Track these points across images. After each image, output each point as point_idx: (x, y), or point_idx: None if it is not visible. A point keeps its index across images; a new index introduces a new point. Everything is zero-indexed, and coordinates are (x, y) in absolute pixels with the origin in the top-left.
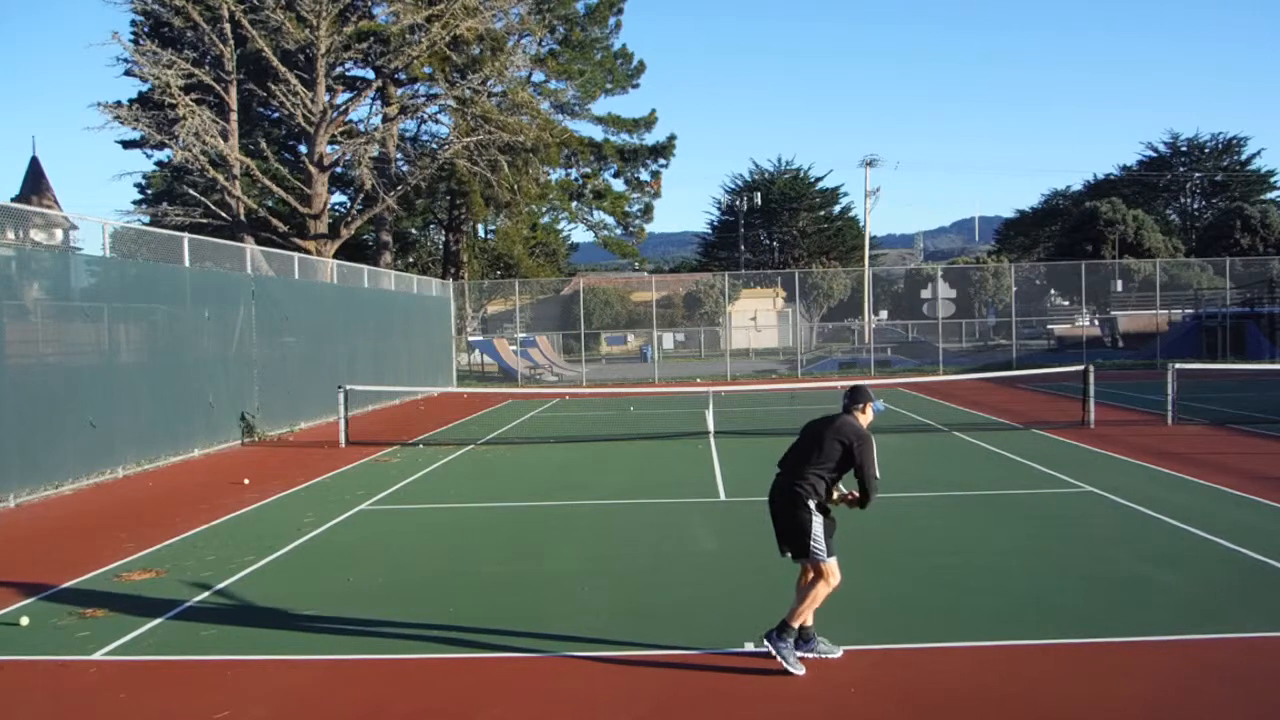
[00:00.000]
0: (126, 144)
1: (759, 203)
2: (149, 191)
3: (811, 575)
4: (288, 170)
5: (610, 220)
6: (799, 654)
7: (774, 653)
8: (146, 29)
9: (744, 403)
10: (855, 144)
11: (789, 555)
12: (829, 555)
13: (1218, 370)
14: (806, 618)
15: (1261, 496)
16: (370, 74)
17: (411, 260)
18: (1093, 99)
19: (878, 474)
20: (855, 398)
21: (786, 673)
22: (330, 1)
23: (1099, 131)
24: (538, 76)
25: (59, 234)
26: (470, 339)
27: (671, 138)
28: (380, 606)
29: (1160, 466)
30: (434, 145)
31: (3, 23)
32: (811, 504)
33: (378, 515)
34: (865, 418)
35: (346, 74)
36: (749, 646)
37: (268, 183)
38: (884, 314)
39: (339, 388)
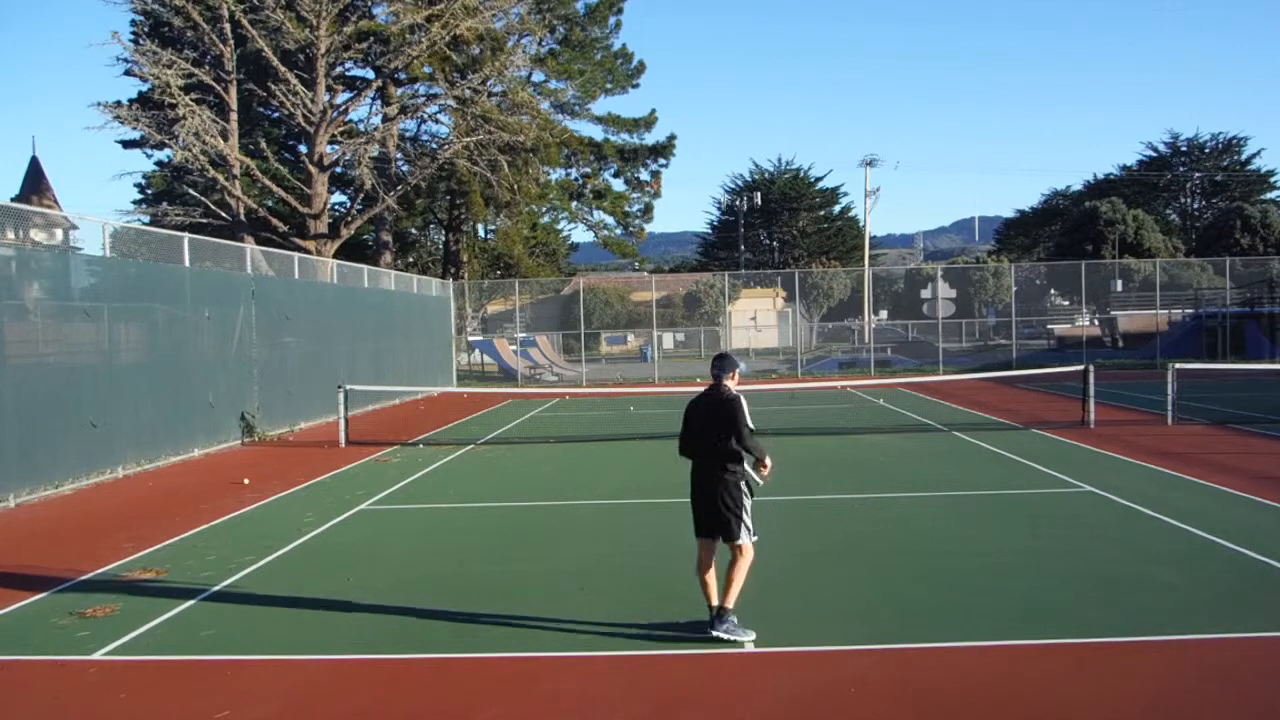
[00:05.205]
0: (126, 144)
1: (759, 203)
2: (149, 191)
3: (739, 555)
4: (288, 170)
5: (610, 220)
6: (716, 633)
7: (724, 636)
8: (146, 29)
9: None
10: (855, 144)
11: (719, 539)
12: (754, 535)
13: (1218, 370)
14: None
15: (1261, 496)
16: (370, 74)
17: (411, 260)
18: (1093, 99)
19: (750, 426)
20: (724, 366)
21: (738, 642)
22: (330, 1)
23: (1099, 131)
24: (538, 76)
25: (59, 234)
26: (470, 339)
27: (671, 138)
28: (380, 606)
29: (1160, 466)
30: (434, 145)
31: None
32: (744, 485)
33: (378, 515)
34: (734, 383)
35: (346, 74)
36: (749, 647)
37: (268, 183)
38: (884, 314)
39: (339, 387)
